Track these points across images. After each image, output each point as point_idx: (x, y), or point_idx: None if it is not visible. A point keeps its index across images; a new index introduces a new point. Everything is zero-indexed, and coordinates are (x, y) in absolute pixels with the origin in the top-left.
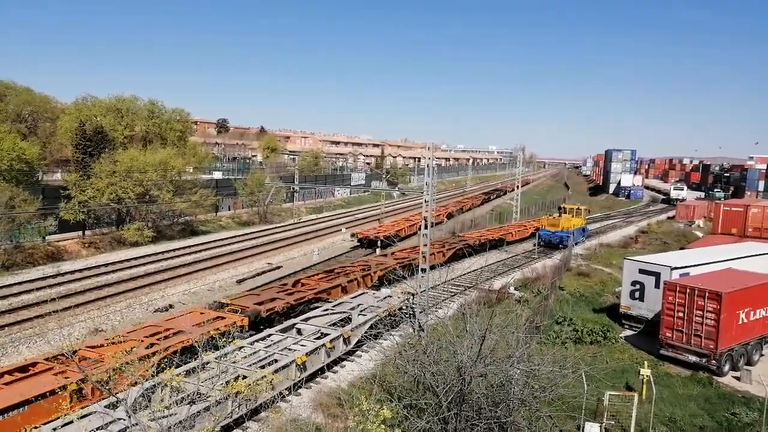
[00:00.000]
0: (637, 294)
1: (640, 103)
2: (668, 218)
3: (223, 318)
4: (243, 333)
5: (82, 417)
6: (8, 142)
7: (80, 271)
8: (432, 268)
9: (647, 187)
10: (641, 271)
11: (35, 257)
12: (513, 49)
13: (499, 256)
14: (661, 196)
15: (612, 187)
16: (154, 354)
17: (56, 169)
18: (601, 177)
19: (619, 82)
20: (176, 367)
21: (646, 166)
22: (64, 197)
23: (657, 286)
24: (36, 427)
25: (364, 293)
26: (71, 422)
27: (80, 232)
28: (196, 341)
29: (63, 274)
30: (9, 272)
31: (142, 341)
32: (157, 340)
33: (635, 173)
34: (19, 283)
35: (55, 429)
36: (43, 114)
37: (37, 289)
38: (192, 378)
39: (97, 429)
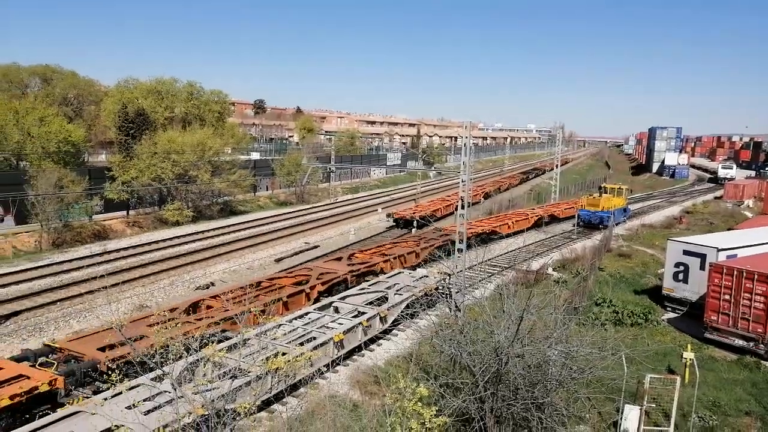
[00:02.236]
0: (680, 276)
1: (687, 78)
2: (715, 198)
3: (26, 378)
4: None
5: (131, 388)
6: (56, 125)
7: (125, 249)
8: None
9: (693, 166)
10: (686, 252)
11: (83, 236)
12: (551, 24)
13: (537, 236)
14: (708, 175)
15: (655, 166)
16: None
17: (101, 151)
18: (644, 155)
19: (665, 56)
20: (218, 343)
21: (692, 144)
22: (109, 178)
23: (702, 267)
24: (87, 397)
25: (400, 272)
26: (120, 393)
27: (124, 212)
28: None
29: (109, 252)
30: (59, 250)
31: None
32: None
33: (680, 151)
34: (69, 261)
35: (106, 399)
36: (87, 97)
37: (86, 266)
38: (233, 354)
39: (145, 400)
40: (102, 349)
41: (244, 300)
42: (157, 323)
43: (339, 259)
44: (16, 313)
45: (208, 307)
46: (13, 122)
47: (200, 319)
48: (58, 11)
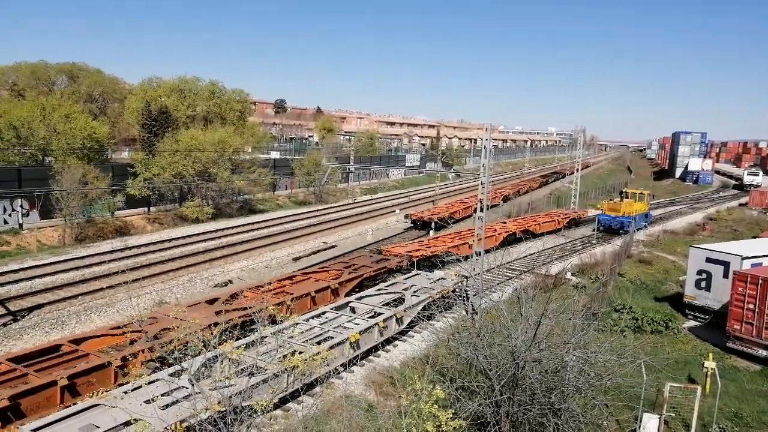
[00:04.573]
0: (703, 283)
1: (713, 82)
2: (740, 205)
3: None
4: None
5: (150, 383)
6: (81, 122)
7: (146, 245)
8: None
9: (717, 172)
10: (708, 260)
11: (105, 231)
12: (573, 26)
13: (557, 240)
14: (733, 182)
15: (678, 172)
16: None
17: (124, 148)
18: (667, 161)
19: (691, 61)
20: (235, 340)
21: (717, 150)
22: (131, 174)
23: (725, 275)
24: (108, 390)
25: (417, 274)
26: (140, 387)
27: (145, 209)
28: None
29: (130, 248)
30: (82, 245)
31: None
32: None
33: (705, 157)
34: (91, 256)
35: (126, 392)
36: (112, 95)
37: (108, 261)
38: (251, 351)
39: (163, 395)
40: None
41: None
42: None
43: (212, 301)
44: (39, 306)
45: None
46: (40, 118)
47: None
48: (85, 10)
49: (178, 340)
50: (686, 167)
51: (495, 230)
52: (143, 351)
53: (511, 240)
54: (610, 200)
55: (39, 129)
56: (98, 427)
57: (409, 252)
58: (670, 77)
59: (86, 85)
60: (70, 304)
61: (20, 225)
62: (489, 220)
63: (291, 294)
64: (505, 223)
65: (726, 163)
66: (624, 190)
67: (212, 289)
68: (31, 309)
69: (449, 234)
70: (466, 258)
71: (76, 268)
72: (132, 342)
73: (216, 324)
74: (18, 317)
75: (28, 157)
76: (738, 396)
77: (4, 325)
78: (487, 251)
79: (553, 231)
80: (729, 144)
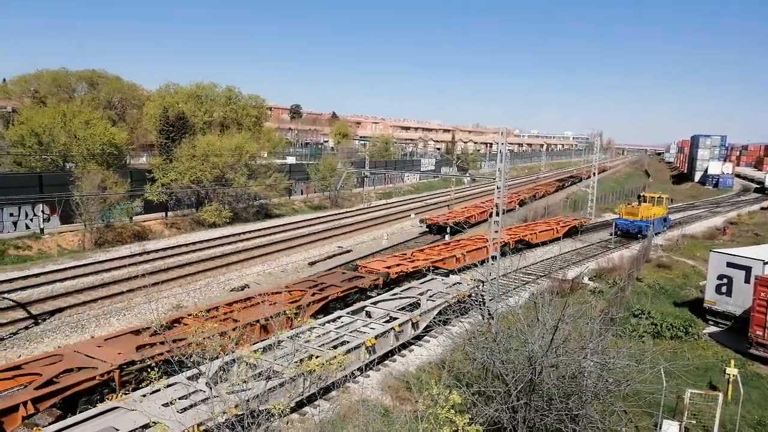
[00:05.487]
0: (723, 288)
1: (733, 84)
2: (762, 209)
3: None
4: None
5: (168, 386)
6: (100, 128)
7: (164, 250)
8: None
9: (738, 175)
10: (729, 265)
11: (123, 236)
12: (590, 29)
13: (574, 244)
14: (755, 185)
15: (698, 175)
16: None
17: (142, 153)
18: (686, 164)
19: (708, 61)
20: (253, 344)
21: (738, 153)
22: (149, 180)
23: (747, 281)
24: (126, 393)
25: (433, 278)
26: (158, 390)
27: (163, 214)
28: None
29: (148, 252)
30: (101, 249)
31: None
32: None
33: (725, 160)
34: (110, 260)
35: (144, 395)
36: (130, 101)
37: (126, 265)
38: (267, 355)
39: (181, 398)
40: None
41: None
42: None
43: (139, 331)
44: (60, 310)
45: None
46: (61, 125)
47: None
48: (104, 15)
49: (197, 344)
50: (706, 171)
51: (485, 241)
52: (25, 403)
53: (504, 252)
54: (628, 204)
55: (60, 135)
56: (117, 430)
57: (388, 267)
58: (691, 79)
59: (105, 91)
60: (90, 308)
61: (41, 230)
62: (505, 224)
63: (237, 322)
64: (516, 227)
65: (747, 166)
66: (642, 194)
67: (229, 293)
68: (52, 312)
69: (436, 246)
70: (468, 270)
71: (96, 273)
72: (24, 386)
73: (132, 363)
74: (39, 321)
75: (49, 163)
76: (761, 403)
77: (26, 328)
78: (475, 265)
79: (552, 240)
80: (750, 147)
